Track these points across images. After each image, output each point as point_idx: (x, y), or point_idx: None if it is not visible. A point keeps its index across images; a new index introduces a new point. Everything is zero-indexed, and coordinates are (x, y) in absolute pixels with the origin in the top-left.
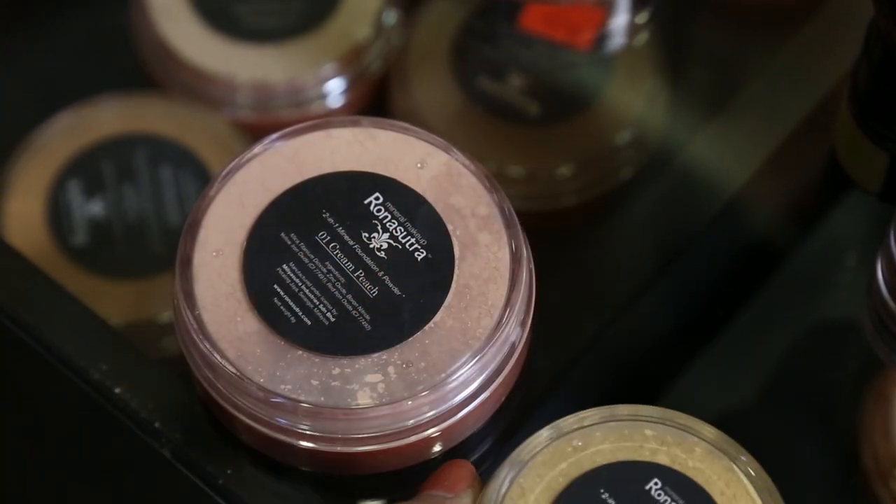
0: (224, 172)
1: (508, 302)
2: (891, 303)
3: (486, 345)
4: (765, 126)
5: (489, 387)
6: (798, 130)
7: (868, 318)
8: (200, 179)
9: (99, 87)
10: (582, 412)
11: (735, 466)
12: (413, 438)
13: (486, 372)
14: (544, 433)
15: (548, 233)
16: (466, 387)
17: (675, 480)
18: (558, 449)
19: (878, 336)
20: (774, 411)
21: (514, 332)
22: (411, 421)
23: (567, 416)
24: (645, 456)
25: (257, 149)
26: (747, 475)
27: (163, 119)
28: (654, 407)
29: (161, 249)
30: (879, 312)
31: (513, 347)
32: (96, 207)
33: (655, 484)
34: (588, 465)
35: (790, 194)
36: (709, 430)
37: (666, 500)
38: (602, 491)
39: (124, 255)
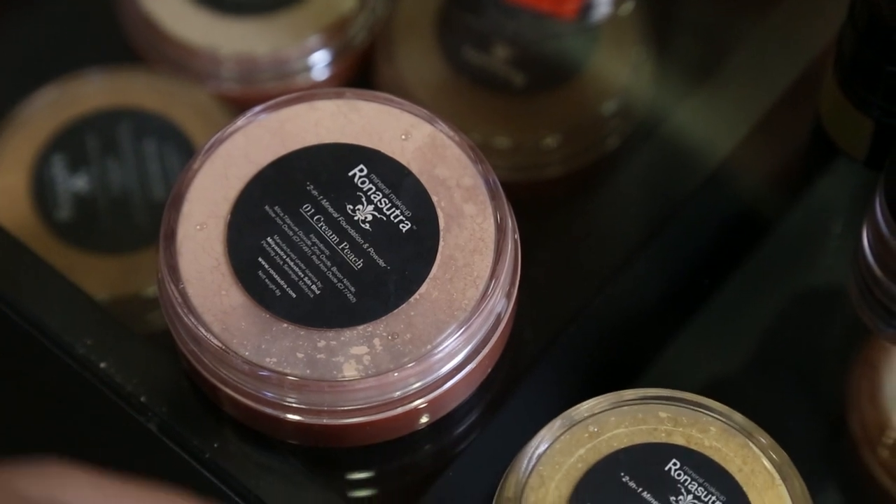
0: (207, 146)
1: (494, 273)
2: (876, 269)
3: (472, 316)
4: (750, 94)
5: (475, 358)
6: (783, 98)
7: (854, 285)
8: (185, 153)
9: (83, 61)
10: (591, 400)
11: (750, 443)
12: (400, 410)
13: (472, 343)
14: (557, 422)
15: (534, 203)
16: (452, 358)
17: (693, 460)
18: (574, 436)
19: (863, 302)
20: (761, 379)
21: (500, 303)
22: (398, 392)
23: (577, 405)
24: (661, 438)
25: (241, 122)
26: (763, 451)
27: (147, 93)
28: (662, 389)
29: (146, 223)
30: (865, 279)
31: (498, 318)
32: (81, 182)
33: (674, 464)
34: (606, 450)
35: (776, 162)
36: (722, 409)
37: (686, 480)
38: (622, 474)
39: (109, 229)
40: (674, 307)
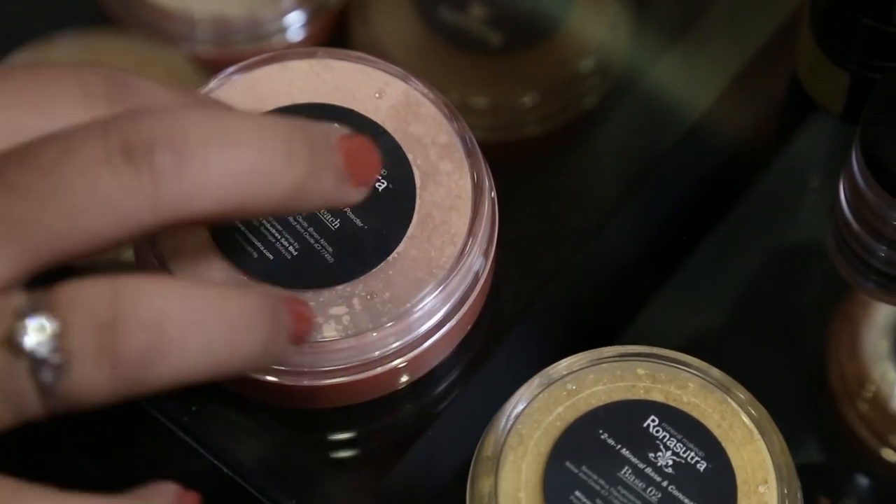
0: None
1: (471, 230)
2: (853, 222)
3: (450, 274)
4: (727, 50)
5: (454, 316)
6: (760, 54)
7: (831, 239)
8: None
9: (56, 24)
10: (569, 357)
11: (729, 399)
12: (379, 370)
13: (451, 301)
14: (535, 381)
15: (512, 163)
16: (431, 316)
17: (672, 416)
18: (553, 394)
19: (841, 256)
20: (741, 335)
21: (478, 261)
22: (377, 352)
23: (555, 363)
24: (639, 394)
25: (213, 83)
26: (742, 406)
27: (121, 56)
28: (640, 346)
29: None
30: (842, 232)
31: (477, 276)
32: None
33: (653, 421)
34: (584, 408)
35: (753, 118)
36: (700, 365)
37: (664, 436)
38: (601, 432)
39: None
40: (653, 264)
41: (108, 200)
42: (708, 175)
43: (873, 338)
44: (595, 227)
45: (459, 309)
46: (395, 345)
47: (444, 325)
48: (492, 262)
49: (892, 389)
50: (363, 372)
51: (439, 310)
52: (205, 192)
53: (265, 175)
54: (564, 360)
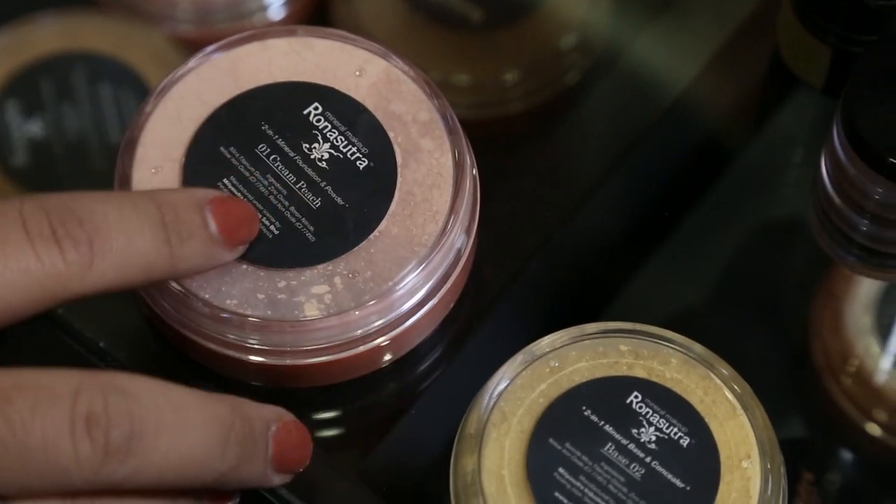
0: (159, 88)
1: (453, 208)
2: (834, 197)
3: (432, 251)
4: (708, 25)
5: (436, 294)
6: (741, 29)
7: (813, 214)
8: (141, 96)
9: (34, 4)
10: (552, 335)
11: (712, 374)
12: (362, 348)
13: (433, 279)
14: (518, 358)
15: (494, 141)
16: (413, 294)
17: (655, 392)
18: (536, 371)
19: (823, 231)
20: (724, 311)
21: (460, 239)
22: (360, 331)
23: (538, 340)
24: (622, 371)
25: (192, 62)
26: (725, 382)
27: (101, 36)
28: (623, 322)
29: (103, 168)
30: (824, 207)
31: (459, 254)
32: (35, 127)
33: (636, 397)
34: (567, 385)
35: (735, 93)
36: (683, 340)
37: (647, 412)
38: (584, 408)
39: (66, 175)
40: (635, 241)
41: (59, 467)
42: (690, 151)
43: (856, 312)
44: (577, 203)
45: (442, 287)
46: (377, 323)
47: (427, 302)
48: (474, 239)
49: (876, 364)
50: (346, 351)
51: (421, 287)
52: (141, 475)
53: (199, 466)
54: (547, 337)
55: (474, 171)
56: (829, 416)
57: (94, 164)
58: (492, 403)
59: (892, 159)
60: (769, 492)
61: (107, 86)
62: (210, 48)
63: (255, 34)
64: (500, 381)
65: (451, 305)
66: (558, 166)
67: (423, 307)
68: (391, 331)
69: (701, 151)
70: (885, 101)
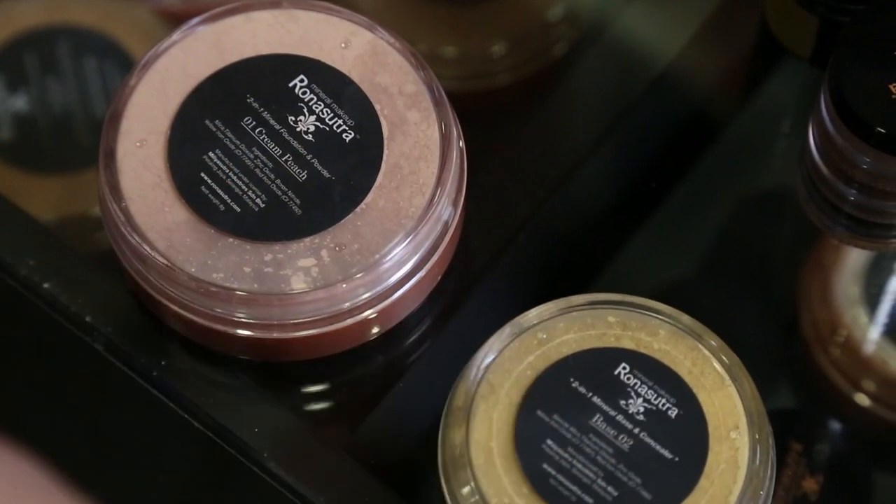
0: (144, 61)
1: (440, 180)
2: (822, 167)
3: (419, 224)
4: None
5: (424, 266)
6: None
7: (801, 184)
8: (126, 70)
9: None
10: (539, 306)
11: (700, 345)
12: (350, 321)
13: (421, 251)
14: (506, 330)
15: (482, 113)
16: (401, 267)
17: (643, 363)
18: (524, 343)
19: (811, 201)
20: (712, 282)
21: (447, 211)
22: (347, 304)
23: (525, 312)
24: (610, 342)
25: (177, 35)
26: (713, 353)
27: (85, 9)
28: (611, 293)
29: (89, 142)
30: (812, 177)
31: (446, 226)
32: (20, 102)
33: (624, 368)
34: (555, 357)
35: (723, 64)
36: (671, 312)
37: (635, 383)
38: (572, 380)
39: (51, 149)
40: (623, 212)
41: None
42: (678, 122)
43: (844, 283)
44: (565, 175)
45: (429, 259)
46: (365, 296)
47: (414, 275)
48: (461, 211)
49: (864, 334)
50: (333, 324)
51: (409, 260)
52: None
53: None
54: (535, 308)
55: (461, 144)
56: (818, 387)
57: (81, 138)
58: (480, 376)
59: (879, 128)
60: (757, 462)
61: (91, 59)
62: (194, 21)
63: (240, 7)
64: (487, 354)
65: (439, 278)
66: (546, 138)
67: (410, 280)
68: (378, 304)
69: (689, 122)
70: (871, 70)
